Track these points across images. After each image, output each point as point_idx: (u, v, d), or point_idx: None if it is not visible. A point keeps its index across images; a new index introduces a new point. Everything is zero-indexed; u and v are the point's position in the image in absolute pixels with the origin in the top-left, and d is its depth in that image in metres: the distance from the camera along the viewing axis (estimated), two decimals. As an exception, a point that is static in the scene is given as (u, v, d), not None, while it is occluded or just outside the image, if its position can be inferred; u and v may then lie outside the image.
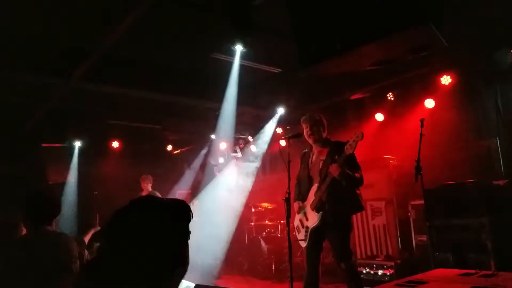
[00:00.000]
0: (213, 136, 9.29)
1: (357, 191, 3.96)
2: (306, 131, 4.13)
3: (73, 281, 2.27)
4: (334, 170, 3.73)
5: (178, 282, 1.28)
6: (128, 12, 4.36)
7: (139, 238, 1.21)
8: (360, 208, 4.01)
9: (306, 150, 4.31)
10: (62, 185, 8.09)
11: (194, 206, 7.92)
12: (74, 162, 8.45)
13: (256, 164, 8.98)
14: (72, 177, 8.37)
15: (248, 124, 8.80)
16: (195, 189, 9.69)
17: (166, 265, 1.22)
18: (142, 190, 7.45)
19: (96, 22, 4.70)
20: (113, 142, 8.96)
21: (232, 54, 5.60)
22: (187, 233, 1.29)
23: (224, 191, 8.85)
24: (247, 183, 8.79)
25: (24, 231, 2.72)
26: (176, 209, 1.30)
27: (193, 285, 3.07)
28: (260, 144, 8.77)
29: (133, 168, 8.93)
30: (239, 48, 4.96)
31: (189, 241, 1.30)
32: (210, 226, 7.35)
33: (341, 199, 3.86)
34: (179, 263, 1.26)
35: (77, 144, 8.38)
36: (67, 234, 2.51)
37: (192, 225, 1.31)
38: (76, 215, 7.45)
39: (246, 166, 9.12)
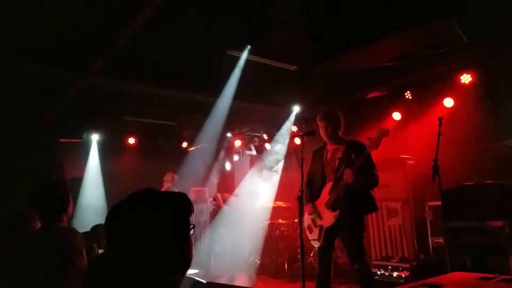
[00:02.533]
0: (228, 134, 9.29)
1: (371, 192, 3.91)
2: (322, 130, 4.07)
3: (79, 276, 2.28)
4: (348, 176, 3.68)
5: (180, 278, 1.24)
6: (144, 7, 4.37)
7: (138, 234, 1.17)
8: (375, 208, 3.98)
9: (318, 147, 4.25)
10: (78, 180, 8.20)
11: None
12: (92, 157, 8.51)
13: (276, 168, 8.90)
14: (90, 172, 8.44)
15: (263, 121, 8.75)
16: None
17: (166, 261, 1.19)
18: (162, 187, 7.61)
19: (113, 17, 4.72)
20: (130, 138, 9.04)
21: (249, 51, 5.57)
22: (188, 227, 1.25)
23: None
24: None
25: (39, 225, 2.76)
26: (176, 202, 1.26)
27: (204, 282, 3.04)
28: (280, 146, 8.68)
29: (148, 164, 9.01)
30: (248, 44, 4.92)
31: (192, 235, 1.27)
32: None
33: (357, 199, 3.81)
34: (180, 258, 1.22)
35: (94, 138, 8.41)
36: (74, 228, 2.51)
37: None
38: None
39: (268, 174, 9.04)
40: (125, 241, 1.18)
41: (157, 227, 1.19)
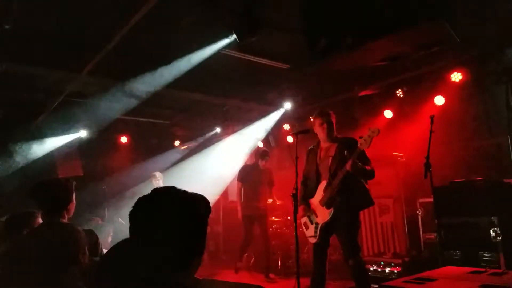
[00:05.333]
0: (217, 129, 9.32)
1: (366, 186, 3.96)
2: (321, 127, 4.09)
3: (82, 273, 2.30)
4: (348, 164, 3.72)
5: (196, 270, 1.33)
6: (137, 8, 4.37)
7: (162, 227, 1.24)
8: (371, 202, 4.02)
9: (312, 147, 4.30)
10: (71, 179, 8.13)
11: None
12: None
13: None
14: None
15: (256, 120, 8.78)
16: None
17: (187, 253, 1.27)
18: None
19: (107, 15, 4.72)
20: (122, 137, 9.01)
21: (241, 49, 5.59)
22: (206, 224, 1.33)
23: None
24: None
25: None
26: (197, 201, 1.33)
27: (200, 278, 3.07)
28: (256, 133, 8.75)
29: (141, 163, 9.00)
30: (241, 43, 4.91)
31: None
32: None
33: (352, 195, 3.85)
34: (198, 252, 1.30)
35: (81, 134, 8.27)
36: (75, 225, 2.53)
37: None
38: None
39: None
40: (149, 233, 1.24)
41: (180, 221, 1.26)
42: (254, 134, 8.81)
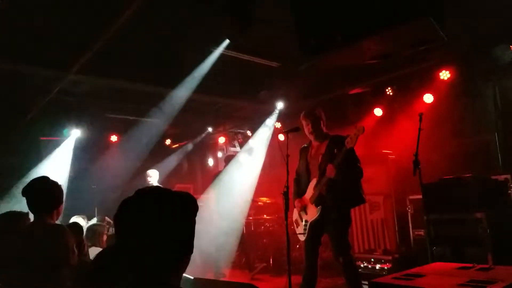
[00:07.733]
0: (209, 129, 9.29)
1: (359, 184, 3.98)
2: (306, 128, 4.13)
3: (71, 273, 2.29)
4: (330, 171, 3.75)
5: (184, 270, 1.32)
6: (127, 5, 4.34)
7: (148, 228, 1.23)
8: (361, 200, 4.04)
9: (305, 145, 4.32)
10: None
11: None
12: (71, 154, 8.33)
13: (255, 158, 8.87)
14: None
15: (247, 118, 8.79)
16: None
17: (174, 254, 1.25)
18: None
19: (95, 14, 4.68)
20: (112, 136, 8.94)
21: (232, 48, 5.59)
22: (194, 223, 1.32)
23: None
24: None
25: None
26: (183, 200, 1.32)
27: (192, 278, 3.08)
28: (261, 139, 8.66)
29: (131, 162, 8.94)
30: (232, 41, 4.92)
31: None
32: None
33: (341, 193, 3.87)
34: (186, 252, 1.29)
35: (75, 133, 8.15)
36: (63, 225, 2.51)
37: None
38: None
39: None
40: (135, 234, 1.23)
41: (167, 222, 1.25)
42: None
